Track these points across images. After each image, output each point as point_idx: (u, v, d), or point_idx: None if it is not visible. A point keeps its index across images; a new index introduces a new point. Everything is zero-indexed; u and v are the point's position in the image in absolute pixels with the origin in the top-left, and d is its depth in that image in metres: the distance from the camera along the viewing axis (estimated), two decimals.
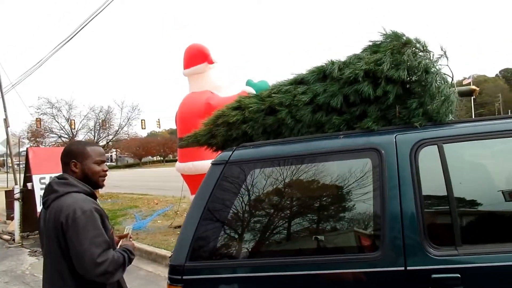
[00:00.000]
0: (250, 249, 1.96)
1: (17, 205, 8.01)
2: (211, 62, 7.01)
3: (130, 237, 2.10)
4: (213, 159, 2.15)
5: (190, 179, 7.19)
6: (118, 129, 33.17)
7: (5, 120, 8.56)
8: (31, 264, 6.26)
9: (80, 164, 1.94)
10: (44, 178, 7.72)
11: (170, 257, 2.07)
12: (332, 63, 2.17)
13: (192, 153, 6.98)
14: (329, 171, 1.95)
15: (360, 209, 1.85)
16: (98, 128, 31.80)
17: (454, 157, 1.82)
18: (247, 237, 2.00)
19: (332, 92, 2.07)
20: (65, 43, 10.85)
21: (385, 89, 1.96)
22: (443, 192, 1.78)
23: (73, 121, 31.49)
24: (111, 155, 38.64)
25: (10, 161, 9.42)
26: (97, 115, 32.01)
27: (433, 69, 1.98)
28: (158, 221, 8.71)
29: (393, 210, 1.77)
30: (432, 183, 1.82)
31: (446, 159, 1.79)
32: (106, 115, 32.36)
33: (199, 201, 2.03)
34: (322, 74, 2.19)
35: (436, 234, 1.77)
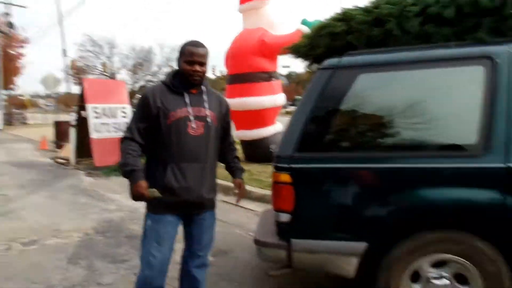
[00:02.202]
0: (355, 143, 2.14)
1: (73, 132, 8.51)
2: None
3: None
4: (319, 66, 2.27)
5: (238, 115, 7.37)
6: (158, 69, 33.33)
7: (64, 51, 8.83)
8: (90, 183, 6.80)
9: (178, 61, 2.12)
10: (97, 108, 8.11)
11: (272, 150, 2.27)
12: None
13: (241, 90, 7.12)
14: (439, 76, 2.04)
15: (468, 109, 1.97)
16: (137, 68, 32.18)
17: None
18: (354, 132, 2.17)
19: (446, 2, 2.10)
20: None
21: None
22: None
23: (105, 64, 31.89)
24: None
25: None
26: (137, 54, 32.18)
27: None
28: None
29: (501, 111, 1.88)
30: None
31: None
32: (146, 55, 32.49)
33: (306, 102, 2.19)
34: None
35: None
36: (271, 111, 7.28)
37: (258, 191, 5.37)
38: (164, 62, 33.12)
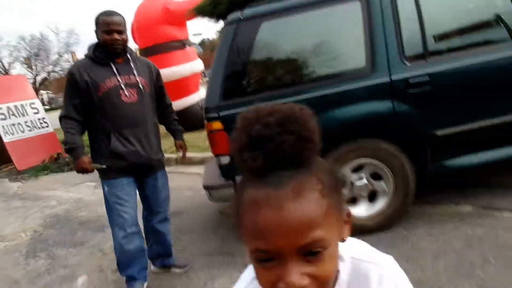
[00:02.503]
0: (270, 84, 2.49)
1: None
2: None
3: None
4: (225, 21, 2.50)
5: None
6: (58, 57, 29.92)
7: None
8: (19, 187, 6.39)
9: (96, 33, 2.16)
10: (0, 108, 7.40)
11: (200, 105, 2.51)
12: None
13: (156, 62, 7.02)
14: (328, 15, 2.41)
15: (354, 38, 2.38)
16: (34, 59, 28.52)
17: None
18: (267, 74, 2.50)
19: None
20: None
21: None
22: (416, 18, 2.35)
23: None
24: (42, 98, 34.88)
25: None
26: (29, 43, 28.35)
27: None
28: None
29: (379, 36, 2.32)
30: (407, 14, 2.36)
31: None
32: (40, 43, 28.83)
33: (220, 56, 2.44)
34: None
35: (412, 52, 2.37)
36: (191, 78, 7.33)
37: (198, 155, 5.59)
38: (64, 48, 29.91)
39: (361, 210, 2.54)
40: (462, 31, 2.53)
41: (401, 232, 2.50)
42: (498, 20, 2.41)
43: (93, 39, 2.24)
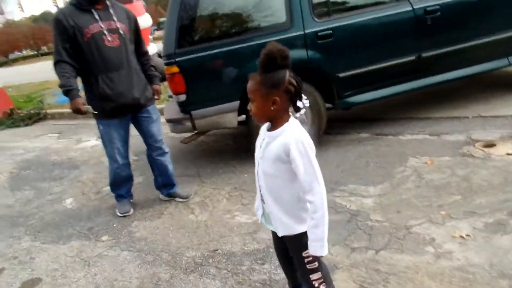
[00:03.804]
0: (213, 36, 3.14)
1: None
2: None
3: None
4: None
5: None
6: None
7: None
8: None
9: None
10: None
11: (158, 54, 3.11)
12: None
13: None
14: None
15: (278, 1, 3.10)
16: None
17: None
18: (211, 27, 3.15)
19: None
20: None
21: None
22: None
23: None
24: None
25: None
26: None
27: None
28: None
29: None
30: None
31: None
32: None
33: (172, 12, 3.02)
34: None
35: (319, 10, 3.15)
36: (142, 33, 7.58)
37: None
38: None
39: None
40: None
41: (315, 151, 3.38)
42: None
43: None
